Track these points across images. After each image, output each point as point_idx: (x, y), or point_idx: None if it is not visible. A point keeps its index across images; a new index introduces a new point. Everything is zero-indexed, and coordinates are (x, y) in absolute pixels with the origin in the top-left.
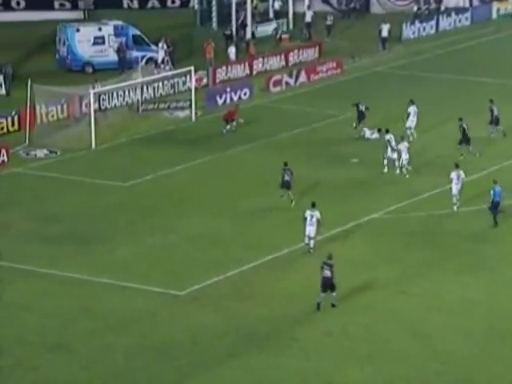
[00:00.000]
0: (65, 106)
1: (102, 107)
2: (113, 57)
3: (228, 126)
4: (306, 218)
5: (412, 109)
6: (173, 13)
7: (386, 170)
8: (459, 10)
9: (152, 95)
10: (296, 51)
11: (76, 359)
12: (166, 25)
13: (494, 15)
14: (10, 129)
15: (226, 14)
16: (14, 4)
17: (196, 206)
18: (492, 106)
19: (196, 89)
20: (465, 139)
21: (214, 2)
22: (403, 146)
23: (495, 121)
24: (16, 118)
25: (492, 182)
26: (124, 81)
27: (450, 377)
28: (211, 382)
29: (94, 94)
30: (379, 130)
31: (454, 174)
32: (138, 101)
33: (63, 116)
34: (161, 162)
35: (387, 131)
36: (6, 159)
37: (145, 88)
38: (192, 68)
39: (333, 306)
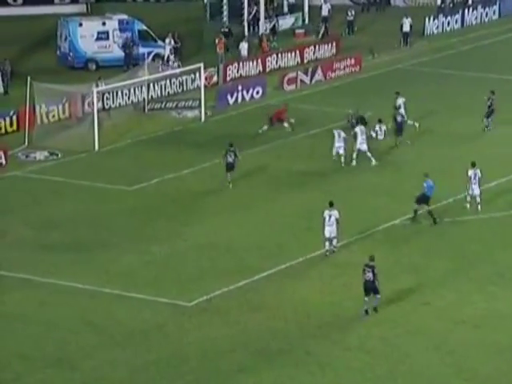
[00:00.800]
0: (66, 106)
1: (106, 106)
2: (117, 53)
3: (265, 127)
4: (324, 219)
5: (401, 100)
6: (180, 6)
7: (354, 163)
8: (486, 3)
9: (159, 94)
10: (312, 47)
11: (78, 375)
12: (173, 19)
13: None
14: (9, 129)
15: (238, 8)
16: (10, 0)
17: (205, 211)
18: (492, 97)
19: (205, 87)
20: (490, 112)
21: None
22: (358, 129)
23: (489, 113)
24: (15, 117)
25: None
26: (129, 78)
27: None
28: None
29: (98, 92)
30: (380, 121)
31: (471, 173)
32: (143, 100)
33: (64, 116)
34: (168, 165)
35: (357, 123)
36: (3, 161)
37: (151, 86)
38: (201, 65)
39: (375, 309)
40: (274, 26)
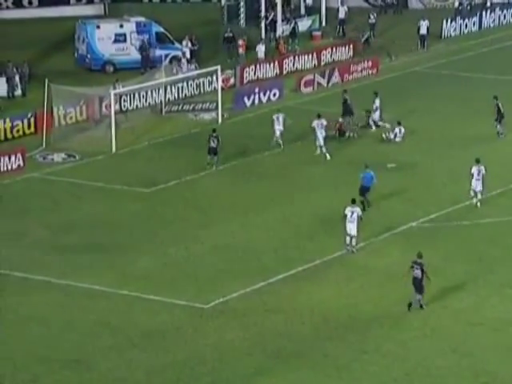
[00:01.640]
0: (84, 108)
1: (123, 109)
2: (135, 55)
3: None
4: (345, 215)
5: (378, 101)
6: (197, 7)
7: (326, 155)
8: (504, 6)
9: (176, 96)
10: (329, 49)
11: (95, 376)
12: (190, 21)
13: None
14: (26, 131)
15: (255, 10)
16: (25, 3)
17: (222, 214)
18: (497, 102)
19: (223, 89)
20: (500, 116)
21: None
22: (315, 123)
23: (500, 118)
24: (32, 120)
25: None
26: (146, 81)
27: None
28: None
29: (115, 94)
30: (399, 123)
31: (474, 169)
32: (161, 102)
33: (82, 118)
34: (185, 167)
35: (319, 116)
36: (21, 163)
37: (168, 88)
38: (218, 67)
39: (409, 306)
40: (294, 28)
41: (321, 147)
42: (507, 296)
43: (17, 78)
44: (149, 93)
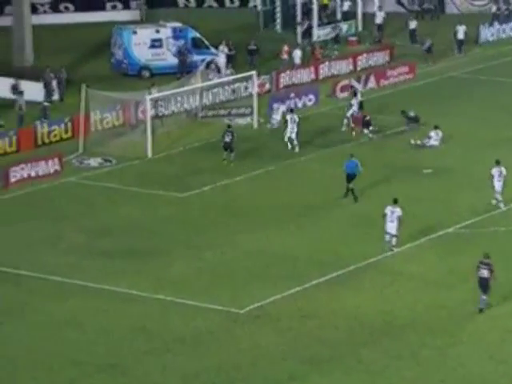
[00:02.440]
0: (120, 113)
1: (159, 114)
2: (171, 60)
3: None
4: (385, 214)
5: (355, 100)
6: (232, 13)
7: (297, 149)
8: None
9: (212, 101)
10: (365, 55)
11: (130, 381)
12: (226, 26)
13: None
14: (64, 136)
15: (291, 16)
16: (62, 8)
17: (257, 219)
18: None
19: (258, 94)
20: None
21: (278, 3)
22: (289, 116)
23: None
24: (69, 124)
25: None
26: (182, 86)
27: None
28: None
29: (151, 99)
30: (436, 127)
31: (495, 171)
32: (196, 107)
33: (118, 123)
34: (220, 172)
35: (291, 111)
36: (58, 168)
37: (204, 94)
38: (254, 73)
39: (480, 310)
40: (337, 34)
41: (290, 140)
42: None
43: (54, 83)
44: (185, 98)
